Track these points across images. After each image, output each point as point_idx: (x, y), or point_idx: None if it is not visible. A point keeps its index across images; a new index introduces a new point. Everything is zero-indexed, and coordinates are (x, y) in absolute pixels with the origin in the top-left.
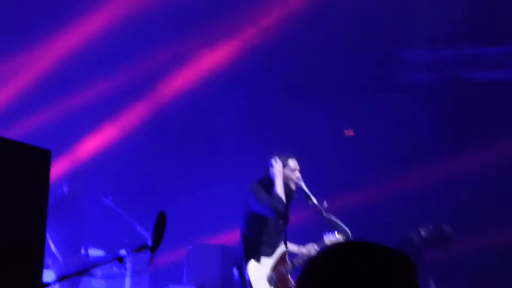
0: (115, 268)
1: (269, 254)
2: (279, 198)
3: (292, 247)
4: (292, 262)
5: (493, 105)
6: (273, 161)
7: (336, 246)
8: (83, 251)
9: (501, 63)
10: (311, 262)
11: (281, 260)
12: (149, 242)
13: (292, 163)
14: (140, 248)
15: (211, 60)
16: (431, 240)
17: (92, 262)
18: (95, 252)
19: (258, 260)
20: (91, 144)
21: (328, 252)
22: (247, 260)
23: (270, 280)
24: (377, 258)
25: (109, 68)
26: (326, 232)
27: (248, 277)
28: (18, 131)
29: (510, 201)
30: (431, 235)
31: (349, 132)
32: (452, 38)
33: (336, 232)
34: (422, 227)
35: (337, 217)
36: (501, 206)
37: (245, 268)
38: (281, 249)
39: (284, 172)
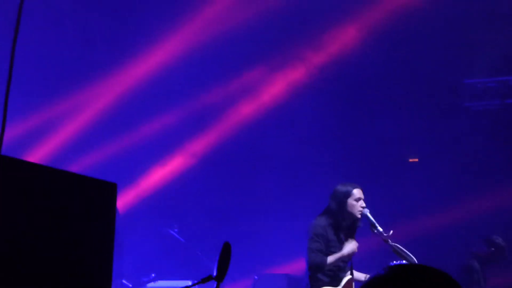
0: None
1: (334, 283)
2: (321, 263)
3: (359, 276)
4: None
5: None
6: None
7: (389, 269)
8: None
9: None
10: (364, 285)
11: (347, 286)
12: (214, 273)
13: (357, 192)
14: (206, 279)
15: (278, 86)
16: (489, 257)
17: None
18: (162, 284)
19: None
20: (157, 176)
21: (378, 277)
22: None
23: None
24: (427, 283)
25: (175, 99)
26: (394, 261)
27: None
28: (84, 164)
29: None
30: (487, 253)
31: (413, 160)
32: None
33: (403, 261)
34: (476, 249)
35: (402, 245)
36: None
37: None
38: (347, 277)
39: (348, 201)
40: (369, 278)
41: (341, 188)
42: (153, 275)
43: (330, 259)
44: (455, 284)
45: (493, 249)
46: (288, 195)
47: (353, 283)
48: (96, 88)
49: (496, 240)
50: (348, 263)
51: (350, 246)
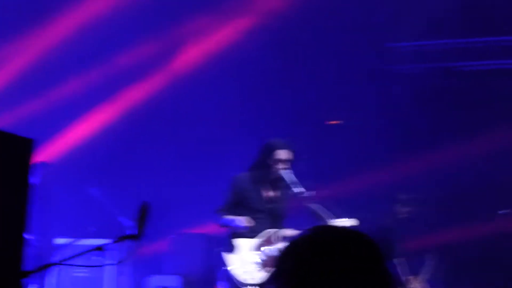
0: (95, 258)
1: (252, 235)
2: (219, 211)
3: (292, 233)
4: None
5: (481, 95)
6: None
7: (315, 229)
8: (55, 241)
9: (490, 53)
10: (292, 243)
11: (271, 239)
12: (133, 232)
13: (282, 153)
14: (123, 237)
15: (202, 47)
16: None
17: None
18: (75, 241)
19: (238, 242)
20: (77, 134)
21: (306, 234)
22: (231, 243)
23: (254, 257)
24: (350, 244)
25: (99, 55)
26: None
27: (229, 257)
28: (6, 120)
29: (494, 192)
30: (400, 213)
31: (334, 122)
32: (442, 29)
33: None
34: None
35: (325, 206)
36: (485, 197)
37: (228, 251)
38: (272, 230)
39: (272, 158)
40: (295, 235)
41: (270, 143)
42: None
43: (227, 218)
44: (376, 248)
45: (398, 204)
46: (207, 155)
47: (278, 238)
48: (19, 44)
49: (398, 196)
50: (270, 215)
51: (244, 221)
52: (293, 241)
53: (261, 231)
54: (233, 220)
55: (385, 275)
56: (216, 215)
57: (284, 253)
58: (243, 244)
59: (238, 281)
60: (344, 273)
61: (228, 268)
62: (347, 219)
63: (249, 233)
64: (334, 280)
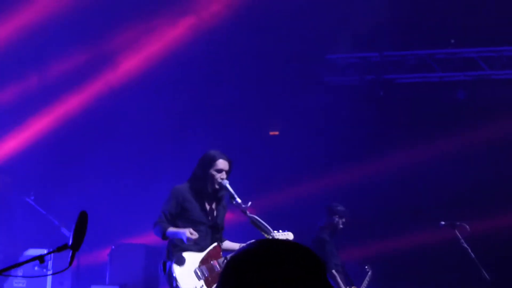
0: (36, 268)
1: (196, 249)
2: (160, 231)
3: (231, 245)
4: (226, 258)
5: (416, 106)
6: None
7: (256, 243)
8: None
9: (424, 66)
10: (232, 258)
11: (213, 254)
12: (70, 242)
13: (221, 163)
14: (61, 247)
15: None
16: (335, 226)
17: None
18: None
19: (186, 254)
20: (13, 143)
21: (248, 249)
22: (172, 254)
23: (197, 273)
24: (292, 257)
25: (37, 62)
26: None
27: (173, 270)
28: None
29: (429, 202)
30: (331, 223)
31: (274, 133)
32: (377, 41)
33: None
34: (320, 221)
35: (262, 218)
36: (422, 206)
37: (171, 264)
38: (213, 244)
39: (211, 170)
40: (237, 250)
41: (208, 154)
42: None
43: (170, 230)
44: (317, 260)
45: (336, 216)
46: (147, 165)
47: (221, 251)
48: None
49: (336, 207)
50: (212, 228)
51: (187, 233)
52: (234, 255)
53: (202, 243)
54: (177, 233)
55: (326, 286)
56: (157, 226)
57: (226, 268)
58: (187, 258)
59: None
60: (287, 286)
61: (175, 283)
62: (284, 232)
63: (191, 245)
64: None
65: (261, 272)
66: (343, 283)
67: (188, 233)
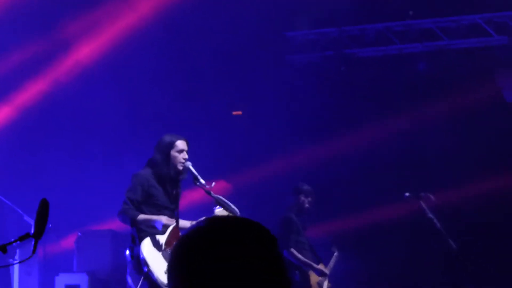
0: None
1: (160, 232)
2: (131, 219)
3: (186, 223)
4: None
5: (377, 80)
6: None
7: (204, 222)
8: None
9: (383, 39)
10: (182, 238)
11: (173, 235)
12: (32, 230)
13: (180, 144)
14: (23, 236)
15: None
16: (302, 205)
17: None
18: None
19: (150, 238)
20: None
21: (196, 228)
22: (139, 240)
23: (165, 256)
24: (240, 234)
25: None
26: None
27: (143, 255)
28: None
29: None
30: (298, 202)
31: (237, 113)
32: (335, 17)
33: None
34: (287, 201)
35: (226, 198)
36: (386, 179)
37: (138, 249)
38: (172, 225)
39: (171, 152)
40: (189, 228)
41: (165, 138)
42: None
43: (141, 217)
44: (269, 235)
45: (301, 195)
46: (110, 150)
47: (179, 231)
48: None
49: (302, 187)
50: (174, 212)
51: (164, 220)
52: (185, 234)
53: (166, 227)
54: (151, 220)
55: (279, 261)
56: (124, 213)
57: (177, 246)
58: (154, 242)
59: (160, 282)
60: (239, 261)
61: (146, 268)
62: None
63: (156, 230)
64: (230, 269)
65: (213, 249)
66: (310, 260)
67: (165, 220)
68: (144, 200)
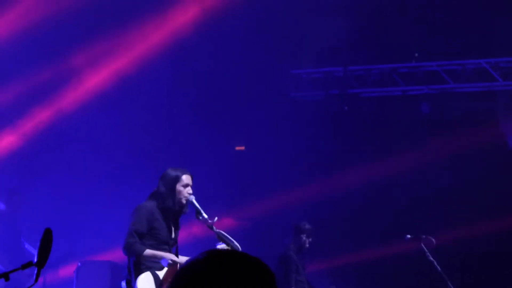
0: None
1: (158, 267)
2: (138, 254)
3: (184, 260)
4: None
5: (380, 120)
6: None
7: (203, 255)
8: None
9: (388, 80)
10: (180, 271)
11: (172, 271)
12: (35, 259)
13: (186, 178)
14: (25, 265)
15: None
16: (302, 244)
17: None
18: None
19: (149, 273)
20: None
21: (194, 261)
22: (136, 274)
23: None
24: (238, 269)
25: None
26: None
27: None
28: None
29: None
30: (299, 240)
31: (240, 148)
32: (341, 56)
33: (223, 244)
34: (287, 239)
35: (228, 233)
36: (387, 219)
37: (135, 282)
38: (171, 262)
39: (177, 187)
40: (187, 261)
41: (171, 172)
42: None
43: (148, 252)
44: (267, 271)
45: (303, 235)
46: (112, 181)
47: (178, 267)
48: None
49: (304, 226)
50: (173, 248)
51: (171, 257)
52: (184, 267)
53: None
54: (157, 256)
55: None
56: (131, 246)
57: (176, 279)
58: (151, 277)
59: None
60: None
61: None
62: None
63: (155, 264)
64: None
65: (210, 283)
66: None
67: (172, 257)
68: (147, 233)
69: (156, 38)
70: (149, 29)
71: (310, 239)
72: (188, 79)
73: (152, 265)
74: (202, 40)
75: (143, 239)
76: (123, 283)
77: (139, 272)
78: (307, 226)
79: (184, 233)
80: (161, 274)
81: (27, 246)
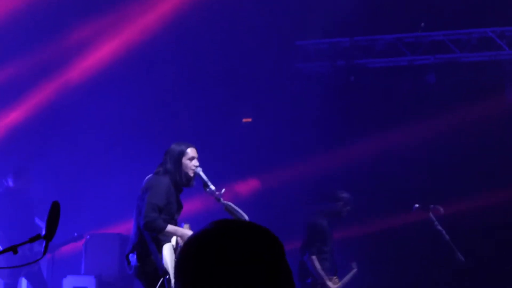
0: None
1: (169, 239)
2: (160, 229)
3: (189, 232)
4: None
5: (387, 91)
6: None
7: (211, 226)
8: None
9: (394, 50)
10: (187, 241)
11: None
12: (43, 232)
13: (191, 151)
14: (34, 238)
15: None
16: (337, 212)
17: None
18: None
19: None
20: None
21: (202, 232)
22: (157, 248)
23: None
24: (246, 238)
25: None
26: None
27: (165, 263)
28: None
29: (402, 185)
30: (334, 208)
31: (247, 120)
32: (346, 27)
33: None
34: (321, 206)
35: (236, 204)
36: (395, 190)
37: (156, 255)
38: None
39: (183, 160)
40: (195, 232)
41: (175, 147)
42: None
43: (170, 228)
44: (276, 241)
45: (340, 203)
46: (120, 155)
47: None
48: None
49: (341, 194)
50: (181, 223)
51: (186, 232)
52: (194, 235)
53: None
54: (177, 232)
55: (284, 267)
56: (153, 223)
57: (185, 247)
58: (169, 248)
59: None
60: (244, 264)
61: (168, 276)
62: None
63: (168, 238)
64: (235, 272)
65: (219, 251)
66: (327, 269)
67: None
68: (164, 207)
69: (163, 11)
70: (155, 2)
71: (349, 207)
72: (195, 52)
73: (166, 239)
74: (208, 12)
75: (161, 213)
76: (133, 256)
77: (159, 246)
78: (345, 194)
79: (192, 206)
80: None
81: (36, 220)
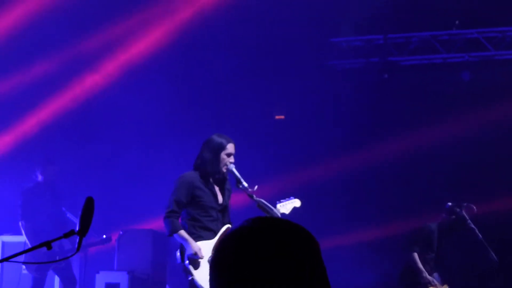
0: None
1: (209, 237)
2: (172, 229)
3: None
4: None
5: (420, 88)
6: None
7: (248, 223)
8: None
9: (428, 48)
10: (224, 238)
11: None
12: (77, 228)
13: (230, 147)
14: (68, 233)
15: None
16: (450, 225)
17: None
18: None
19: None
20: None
21: (238, 229)
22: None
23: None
24: (282, 236)
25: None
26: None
27: (187, 262)
28: None
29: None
30: (448, 221)
31: (280, 117)
32: (380, 24)
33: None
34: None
35: (268, 201)
36: (428, 188)
37: (186, 256)
38: (225, 227)
39: (221, 154)
40: (232, 228)
41: (216, 138)
42: (104, 236)
43: (181, 234)
44: (311, 238)
45: (453, 217)
46: (155, 151)
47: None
48: None
49: (456, 209)
50: (220, 213)
51: (196, 250)
52: (230, 231)
53: (214, 227)
54: (186, 242)
55: (318, 266)
56: (168, 220)
57: (221, 242)
58: (202, 248)
59: None
60: (280, 261)
61: (190, 276)
62: (290, 200)
63: (205, 232)
64: (271, 268)
65: (256, 248)
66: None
67: (196, 250)
68: (189, 202)
69: (200, 5)
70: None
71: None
72: (229, 48)
73: (203, 234)
74: (244, 8)
75: (188, 207)
76: (177, 253)
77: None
78: (459, 209)
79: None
80: (213, 242)
81: (69, 215)
